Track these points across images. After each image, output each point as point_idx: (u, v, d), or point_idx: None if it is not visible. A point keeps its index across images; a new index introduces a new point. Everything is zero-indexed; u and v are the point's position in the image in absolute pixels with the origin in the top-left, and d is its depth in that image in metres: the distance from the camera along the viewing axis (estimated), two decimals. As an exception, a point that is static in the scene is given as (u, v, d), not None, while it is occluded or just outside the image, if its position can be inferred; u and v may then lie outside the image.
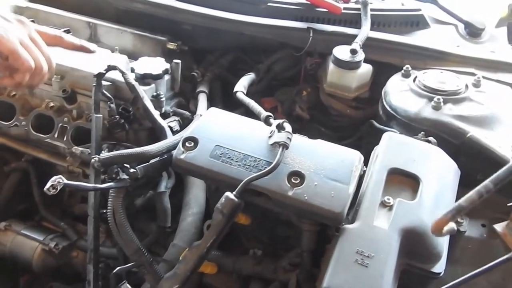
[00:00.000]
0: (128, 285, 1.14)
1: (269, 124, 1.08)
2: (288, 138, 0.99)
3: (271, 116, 1.11)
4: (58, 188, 0.94)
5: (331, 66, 1.41)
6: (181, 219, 1.26)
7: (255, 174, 0.96)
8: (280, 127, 1.03)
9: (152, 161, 1.14)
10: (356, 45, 1.38)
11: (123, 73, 1.22)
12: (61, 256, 1.38)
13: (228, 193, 0.96)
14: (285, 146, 0.98)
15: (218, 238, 0.99)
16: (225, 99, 1.60)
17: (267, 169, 0.95)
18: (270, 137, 1.04)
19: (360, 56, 1.39)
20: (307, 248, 1.04)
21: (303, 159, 1.01)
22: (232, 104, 1.42)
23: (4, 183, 1.51)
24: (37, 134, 1.36)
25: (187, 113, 1.39)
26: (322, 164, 0.99)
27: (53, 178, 0.95)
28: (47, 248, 1.37)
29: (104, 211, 1.26)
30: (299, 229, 1.06)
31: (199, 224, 1.25)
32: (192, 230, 1.24)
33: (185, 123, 1.38)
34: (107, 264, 1.31)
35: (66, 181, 0.96)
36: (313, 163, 0.99)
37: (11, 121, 1.38)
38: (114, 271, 1.09)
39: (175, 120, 1.35)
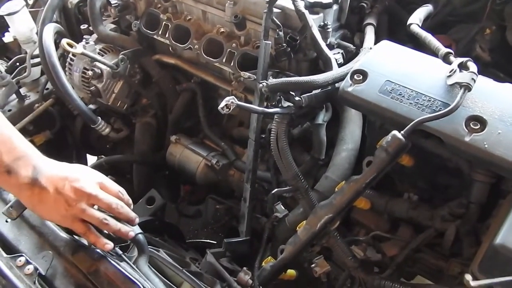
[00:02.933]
0: (282, 206, 1.20)
1: (449, 62, 0.98)
2: (472, 79, 0.90)
3: (451, 53, 1.00)
4: (231, 108, 1.00)
5: (529, 0, 1.21)
6: (335, 153, 1.26)
7: (429, 115, 0.89)
8: (463, 66, 0.93)
9: (315, 91, 1.14)
10: None
11: (293, 0, 1.21)
12: (220, 172, 1.51)
13: (395, 132, 0.92)
14: (467, 87, 0.89)
15: (378, 176, 0.97)
16: (390, 35, 1.50)
17: (443, 110, 0.88)
18: (449, 76, 0.95)
19: None
20: (476, 200, 0.97)
21: (487, 103, 0.90)
22: (397, 41, 1.32)
23: (176, 101, 1.67)
24: (207, 57, 1.45)
25: (351, 46, 1.34)
26: (510, 111, 0.88)
27: (227, 98, 1.01)
28: (210, 164, 1.50)
29: (263, 136, 1.33)
30: (468, 179, 0.98)
31: (353, 160, 1.24)
32: (345, 165, 1.23)
33: (348, 56, 1.34)
34: (262, 186, 1.40)
35: (238, 102, 1.01)
36: (499, 109, 0.89)
37: (186, 44, 1.48)
38: (273, 192, 1.15)
39: (339, 52, 1.32)
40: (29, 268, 0.95)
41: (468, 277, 0.76)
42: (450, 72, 0.95)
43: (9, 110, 1.69)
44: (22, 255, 0.97)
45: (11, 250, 1.01)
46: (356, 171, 1.24)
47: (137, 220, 1.06)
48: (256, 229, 1.37)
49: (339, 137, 1.28)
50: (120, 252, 1.05)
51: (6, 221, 1.07)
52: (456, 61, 0.96)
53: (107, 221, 0.99)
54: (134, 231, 1.03)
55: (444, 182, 1.11)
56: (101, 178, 1.05)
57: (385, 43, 1.10)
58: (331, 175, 1.22)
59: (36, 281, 0.92)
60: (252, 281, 1.15)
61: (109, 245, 0.99)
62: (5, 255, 0.97)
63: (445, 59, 1.00)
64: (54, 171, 0.98)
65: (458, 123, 0.89)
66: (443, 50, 1.02)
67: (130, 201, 1.10)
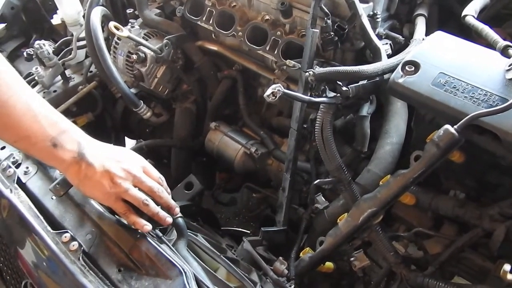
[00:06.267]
0: (322, 197, 1.19)
1: (508, 56, 0.94)
2: (534, 73, 0.85)
3: (510, 46, 0.96)
4: (277, 96, 0.98)
5: None
6: (379, 146, 1.23)
7: (486, 110, 0.86)
8: (524, 60, 0.89)
9: (361, 82, 1.12)
10: None
11: (343, -12, 1.18)
12: (259, 161, 1.50)
13: (448, 126, 0.89)
14: (529, 82, 0.85)
15: (427, 171, 0.94)
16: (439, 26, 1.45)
17: (502, 105, 0.84)
18: (508, 70, 0.91)
19: None
20: (531, 201, 0.93)
21: (548, 100, 0.86)
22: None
23: (216, 88, 1.67)
24: (251, 45, 1.44)
25: (400, 37, 1.31)
26: None
27: (273, 86, 0.99)
28: (248, 152, 1.50)
29: (305, 126, 1.31)
30: (522, 179, 0.94)
31: (397, 155, 1.21)
32: (389, 159, 1.20)
33: (396, 48, 1.31)
34: (301, 176, 1.39)
35: (284, 90, 1.00)
36: (562, 107, 0.84)
37: (229, 31, 1.47)
38: (315, 182, 1.14)
39: (387, 43, 1.28)
40: (74, 245, 0.96)
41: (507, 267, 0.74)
42: (510, 66, 0.91)
43: (54, 91, 1.73)
44: (67, 232, 0.99)
45: (56, 226, 1.03)
46: (399, 166, 1.22)
47: (177, 210, 1.07)
48: (292, 220, 1.36)
49: (383, 130, 1.24)
50: (160, 234, 1.06)
51: (52, 198, 1.10)
52: (516, 54, 0.91)
53: (147, 202, 1.00)
54: (171, 218, 1.04)
55: (495, 180, 1.07)
56: (144, 162, 1.07)
57: (439, 34, 1.07)
58: (374, 168, 1.19)
59: (81, 258, 0.94)
60: (288, 271, 1.14)
61: (148, 226, 1.00)
62: (51, 230, 0.99)
63: (504, 52, 0.95)
64: (100, 149, 0.99)
65: (517, 119, 0.85)
66: (502, 42, 0.97)
67: (169, 189, 1.11)
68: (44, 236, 0.97)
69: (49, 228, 1.00)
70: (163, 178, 1.10)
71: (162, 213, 1.03)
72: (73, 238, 0.98)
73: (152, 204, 1.01)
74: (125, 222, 1.04)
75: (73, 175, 0.96)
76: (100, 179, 0.96)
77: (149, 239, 1.00)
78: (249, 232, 1.79)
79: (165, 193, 1.06)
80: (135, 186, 1.01)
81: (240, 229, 1.87)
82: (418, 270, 1.08)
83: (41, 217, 1.02)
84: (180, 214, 1.08)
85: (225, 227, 1.94)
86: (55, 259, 0.94)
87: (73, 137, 0.93)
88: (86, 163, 0.94)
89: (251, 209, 2.03)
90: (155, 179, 1.06)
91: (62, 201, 1.09)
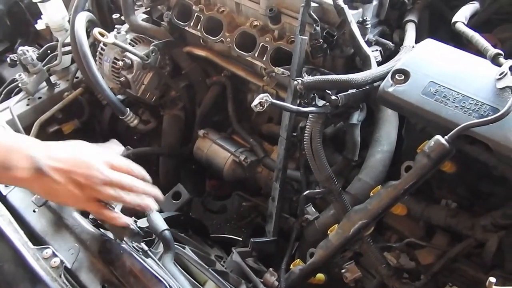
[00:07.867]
0: (313, 208, 1.17)
1: (499, 64, 0.92)
2: (526, 83, 0.84)
3: (501, 54, 0.94)
4: (265, 106, 0.96)
5: None
6: (369, 154, 1.21)
7: (477, 120, 0.84)
8: (515, 69, 0.87)
9: (351, 90, 1.09)
10: None
11: (332, -6, 1.16)
12: (248, 169, 1.47)
13: (439, 137, 0.87)
14: (520, 92, 0.83)
15: (418, 182, 0.92)
16: (430, 32, 1.44)
17: (493, 116, 0.83)
18: (499, 79, 0.89)
19: None
20: (524, 212, 0.91)
21: (541, 110, 0.84)
22: (438, 40, 1.26)
23: (205, 94, 1.64)
24: (239, 51, 1.41)
25: (390, 43, 1.29)
26: None
27: (261, 95, 0.97)
28: (238, 160, 1.47)
29: (295, 134, 1.29)
30: (515, 189, 0.92)
31: (388, 163, 1.19)
32: (380, 168, 1.18)
33: (386, 54, 1.29)
34: (291, 185, 1.36)
35: (272, 99, 0.97)
36: (554, 117, 0.82)
37: (218, 37, 1.45)
38: (304, 193, 1.11)
39: (377, 49, 1.26)
40: (56, 261, 0.94)
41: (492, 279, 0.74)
42: (500, 75, 0.89)
43: (39, 98, 1.69)
44: (48, 247, 0.96)
45: (38, 241, 1.00)
46: (390, 174, 1.20)
47: (157, 192, 1.01)
48: (283, 229, 1.34)
49: (374, 138, 1.22)
50: (146, 248, 1.03)
51: (34, 211, 1.07)
52: (507, 63, 0.89)
53: (121, 195, 0.94)
54: (153, 204, 0.99)
55: (487, 190, 1.05)
56: (107, 157, 0.97)
57: (429, 42, 1.05)
58: (365, 177, 1.17)
59: (62, 275, 0.91)
60: (278, 282, 1.12)
61: (127, 219, 0.96)
62: (32, 246, 0.96)
63: (495, 60, 0.94)
64: (57, 155, 0.91)
65: (509, 129, 0.83)
66: (492, 50, 0.95)
67: (145, 175, 1.02)
68: (24, 252, 0.94)
69: (29, 243, 0.97)
70: (134, 167, 1.00)
71: (143, 202, 0.97)
72: (54, 254, 0.95)
73: (126, 195, 0.94)
74: (108, 229, 1.01)
75: (39, 190, 0.91)
76: (66, 187, 0.89)
77: (134, 253, 0.98)
78: (240, 239, 1.76)
79: (137, 182, 0.98)
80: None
81: (231, 236, 1.84)
82: (410, 281, 1.06)
83: (21, 232, 0.99)
84: (166, 226, 1.05)
85: (216, 233, 1.91)
86: (34, 277, 0.90)
87: (24, 154, 0.86)
88: (46, 176, 0.88)
89: (243, 215, 2.00)
90: (123, 171, 0.97)
91: (44, 215, 1.06)
